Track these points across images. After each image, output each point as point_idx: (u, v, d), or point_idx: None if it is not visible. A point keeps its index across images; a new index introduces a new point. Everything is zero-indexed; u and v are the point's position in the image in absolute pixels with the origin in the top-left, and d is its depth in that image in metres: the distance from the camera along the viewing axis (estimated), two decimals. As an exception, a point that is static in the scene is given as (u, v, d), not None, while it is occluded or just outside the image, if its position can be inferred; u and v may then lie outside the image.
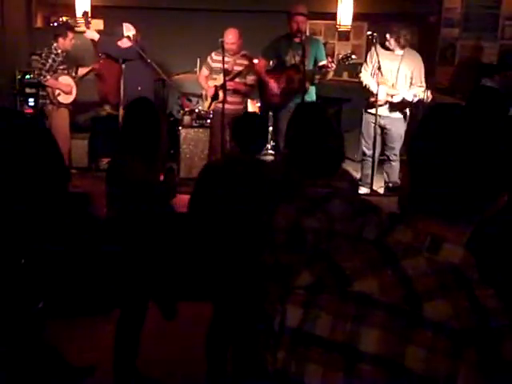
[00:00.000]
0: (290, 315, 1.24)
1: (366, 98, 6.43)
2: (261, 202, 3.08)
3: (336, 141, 2.49)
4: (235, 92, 6.42)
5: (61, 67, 6.90)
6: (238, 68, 6.42)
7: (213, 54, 6.58)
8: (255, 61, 6.51)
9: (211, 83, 6.60)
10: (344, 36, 8.93)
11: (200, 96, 7.15)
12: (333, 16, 8.32)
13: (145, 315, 3.69)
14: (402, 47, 6.13)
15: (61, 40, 6.82)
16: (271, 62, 6.71)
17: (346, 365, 1.15)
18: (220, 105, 6.38)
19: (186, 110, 7.45)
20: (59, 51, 6.82)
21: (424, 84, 6.20)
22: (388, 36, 6.15)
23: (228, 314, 3.50)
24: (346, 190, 2.63)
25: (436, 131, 1.18)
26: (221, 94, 6.39)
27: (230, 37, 6.35)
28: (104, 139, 7.23)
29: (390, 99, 6.19)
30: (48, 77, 6.74)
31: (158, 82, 7.09)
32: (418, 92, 6.06)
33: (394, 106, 6.25)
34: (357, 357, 1.13)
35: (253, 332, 3.33)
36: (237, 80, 6.41)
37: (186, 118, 7.34)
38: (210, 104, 6.62)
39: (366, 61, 6.44)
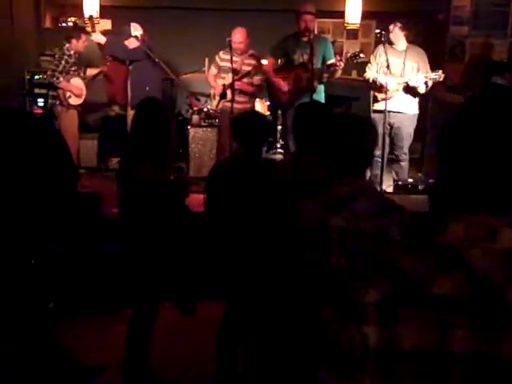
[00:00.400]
0: (370, 336, 1.17)
1: (373, 94, 6.42)
2: (269, 201, 3.09)
3: (365, 140, 2.53)
4: (242, 91, 6.41)
5: (72, 69, 6.93)
6: (245, 68, 6.41)
7: (221, 53, 6.58)
8: (264, 61, 6.49)
9: (219, 82, 6.60)
10: (352, 34, 8.92)
11: (208, 95, 7.15)
12: (341, 14, 8.30)
13: (156, 314, 3.69)
14: (407, 39, 6.18)
15: (74, 41, 6.86)
16: (279, 61, 6.71)
17: (441, 372, 1.13)
18: (228, 104, 6.37)
19: (195, 109, 7.46)
20: (71, 52, 6.85)
21: (430, 73, 6.21)
22: (391, 27, 6.21)
23: (240, 312, 3.51)
24: (371, 189, 2.68)
25: (473, 127, 1.18)
26: (228, 93, 6.39)
27: (238, 36, 6.34)
28: (113, 139, 7.25)
29: (401, 87, 6.18)
30: (61, 79, 6.79)
31: (166, 81, 7.11)
32: (428, 74, 6.09)
33: (406, 94, 6.23)
34: (450, 361, 1.12)
35: (263, 331, 3.33)
36: (244, 80, 6.41)
37: (195, 118, 7.34)
38: (218, 103, 6.62)
39: (369, 61, 6.44)
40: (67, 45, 6.84)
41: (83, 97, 7.04)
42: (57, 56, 6.81)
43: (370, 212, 2.40)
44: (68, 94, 6.89)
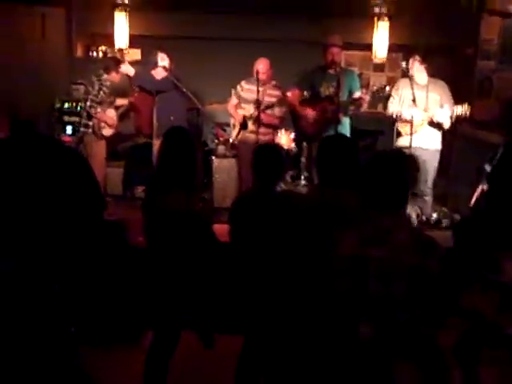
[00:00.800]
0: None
1: (396, 129, 6.37)
2: (291, 234, 3.10)
3: (406, 176, 2.66)
4: (263, 123, 6.43)
5: (108, 100, 7.04)
6: (268, 98, 6.44)
7: (243, 83, 6.63)
8: (288, 93, 6.52)
9: (240, 112, 6.64)
10: (379, 67, 8.94)
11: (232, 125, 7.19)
12: (369, 47, 8.36)
13: (176, 345, 3.67)
14: (427, 72, 6.16)
15: (113, 73, 6.98)
16: (306, 93, 6.74)
17: None
18: (248, 134, 6.44)
19: (221, 139, 7.50)
20: (108, 83, 6.96)
21: (453, 103, 6.17)
22: (411, 61, 6.22)
23: (259, 346, 3.48)
24: (407, 222, 2.73)
25: None
26: (249, 123, 6.43)
27: (261, 66, 6.40)
28: (139, 168, 7.32)
29: (425, 122, 6.13)
30: (99, 109, 6.90)
31: (192, 111, 7.17)
32: (454, 108, 6.03)
33: (430, 128, 6.18)
34: None
35: (284, 365, 3.30)
36: (267, 111, 6.43)
37: (220, 148, 7.39)
38: (238, 133, 6.65)
39: (391, 94, 6.39)
40: (105, 75, 6.96)
41: (115, 128, 7.14)
42: (96, 86, 6.91)
43: (407, 244, 2.49)
44: (102, 124, 7.00)
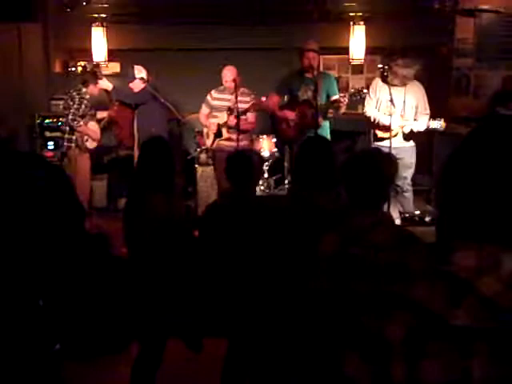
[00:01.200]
0: (395, 373, 1.19)
1: (372, 131, 6.36)
2: (267, 237, 3.12)
3: (384, 174, 2.68)
4: (239, 130, 6.41)
5: (89, 112, 7.05)
6: (240, 105, 6.44)
7: (212, 92, 6.69)
8: (263, 98, 6.55)
9: (213, 121, 6.68)
10: (358, 70, 9.00)
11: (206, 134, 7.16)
12: (346, 50, 8.43)
13: (162, 355, 3.67)
14: (403, 83, 6.06)
15: (91, 86, 7.00)
16: (285, 98, 6.78)
17: None
18: (223, 142, 6.48)
19: (203, 148, 7.53)
20: (88, 96, 6.98)
21: (428, 111, 6.17)
22: (393, 66, 6.09)
23: (243, 349, 3.49)
24: (388, 220, 2.77)
25: (476, 156, 1.19)
26: (224, 131, 6.47)
27: (228, 75, 6.44)
28: (121, 180, 7.34)
29: (401, 130, 6.14)
30: (81, 122, 6.90)
31: (172, 121, 7.19)
32: (430, 123, 6.04)
33: (406, 136, 6.22)
34: None
35: (269, 367, 3.31)
36: (242, 117, 6.46)
37: (203, 156, 7.41)
38: (213, 142, 6.68)
39: (369, 95, 6.35)
40: (84, 89, 6.97)
41: (98, 140, 7.15)
42: (77, 100, 6.91)
43: (388, 242, 2.49)
44: (85, 137, 7.00)
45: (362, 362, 1.22)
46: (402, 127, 6.10)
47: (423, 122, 6.07)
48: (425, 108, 6.18)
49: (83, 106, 6.92)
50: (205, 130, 6.91)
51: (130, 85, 6.88)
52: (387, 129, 6.02)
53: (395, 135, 6.11)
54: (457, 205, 1.22)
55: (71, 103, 6.93)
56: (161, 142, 3.77)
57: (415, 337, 1.17)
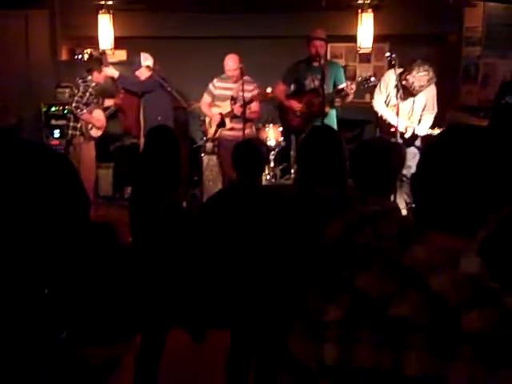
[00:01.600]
0: (326, 353, 1.21)
1: (379, 125, 6.30)
2: (268, 228, 3.11)
3: (391, 161, 2.67)
4: (244, 118, 6.36)
5: (95, 100, 7.03)
6: (245, 94, 6.35)
7: (215, 81, 6.63)
8: (268, 88, 6.47)
9: (215, 110, 6.63)
10: (365, 58, 8.94)
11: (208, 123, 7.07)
12: (353, 38, 8.37)
13: (165, 342, 3.68)
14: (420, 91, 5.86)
15: (95, 74, 6.97)
16: (292, 87, 6.75)
17: None
18: (227, 132, 6.43)
19: (209, 136, 7.50)
20: (93, 84, 6.95)
21: (436, 110, 6.08)
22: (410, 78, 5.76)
23: (246, 340, 3.49)
24: (394, 210, 2.79)
25: (445, 151, 1.21)
26: (227, 121, 6.42)
27: (231, 64, 6.39)
28: (128, 168, 7.32)
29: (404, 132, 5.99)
30: (84, 110, 6.87)
31: (178, 109, 7.16)
32: (434, 131, 5.88)
33: (407, 141, 6.00)
34: (404, 382, 1.13)
35: (272, 357, 3.32)
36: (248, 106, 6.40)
37: (208, 145, 7.39)
38: (216, 131, 6.63)
39: (379, 87, 6.19)
40: (89, 77, 6.95)
41: (103, 129, 7.13)
42: (81, 88, 6.89)
43: (392, 232, 2.49)
44: (90, 125, 6.99)
45: (304, 339, 1.24)
46: (406, 130, 5.98)
47: (427, 122, 6.00)
48: (433, 107, 6.09)
49: (87, 94, 6.89)
50: (207, 120, 6.87)
51: (137, 73, 6.84)
52: (394, 128, 5.90)
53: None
54: (419, 195, 1.24)
55: (76, 91, 6.91)
56: (167, 133, 3.76)
57: (351, 321, 1.18)
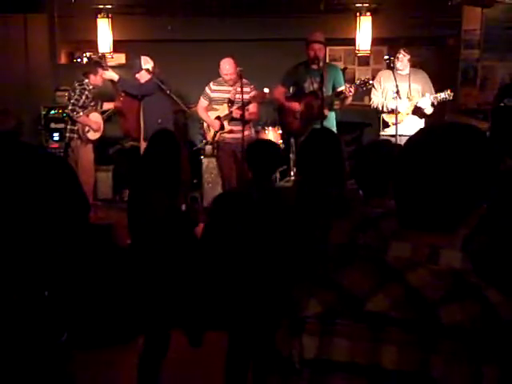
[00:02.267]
0: (306, 347, 1.22)
1: (381, 118, 6.46)
2: (275, 229, 3.09)
3: (392, 163, 2.62)
4: (239, 120, 6.36)
5: (92, 104, 7.04)
6: (240, 96, 6.28)
7: (211, 84, 6.60)
8: (265, 90, 6.47)
9: (212, 114, 6.62)
10: (364, 61, 8.96)
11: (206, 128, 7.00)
12: (352, 41, 8.39)
13: (168, 345, 3.68)
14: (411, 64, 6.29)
15: (92, 77, 6.99)
16: (291, 89, 6.75)
17: None
18: (226, 135, 6.43)
19: (208, 139, 7.50)
20: (90, 87, 6.97)
21: (433, 92, 6.31)
22: (400, 56, 6.26)
23: (244, 341, 3.49)
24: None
25: (420, 151, 1.23)
26: (226, 124, 6.42)
27: (227, 67, 6.38)
28: (127, 171, 7.33)
29: (411, 109, 6.26)
30: (81, 113, 6.88)
31: (178, 113, 7.17)
32: (438, 95, 6.18)
33: (415, 118, 6.30)
34: (381, 376, 1.14)
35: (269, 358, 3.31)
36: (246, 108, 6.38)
37: (208, 148, 7.40)
38: (215, 135, 6.60)
39: (373, 86, 6.47)
40: (86, 80, 6.96)
41: (101, 131, 7.14)
42: (77, 91, 6.90)
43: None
44: (87, 128, 6.99)
45: (287, 335, 1.27)
46: (411, 108, 6.24)
47: (428, 97, 6.20)
48: (431, 92, 6.31)
49: (83, 97, 6.90)
50: (205, 124, 6.84)
51: (137, 75, 6.85)
52: (395, 114, 6.10)
53: (404, 117, 6.24)
54: (405, 194, 1.26)
55: (72, 94, 6.93)
56: (167, 135, 3.76)
57: (330, 315, 1.19)
